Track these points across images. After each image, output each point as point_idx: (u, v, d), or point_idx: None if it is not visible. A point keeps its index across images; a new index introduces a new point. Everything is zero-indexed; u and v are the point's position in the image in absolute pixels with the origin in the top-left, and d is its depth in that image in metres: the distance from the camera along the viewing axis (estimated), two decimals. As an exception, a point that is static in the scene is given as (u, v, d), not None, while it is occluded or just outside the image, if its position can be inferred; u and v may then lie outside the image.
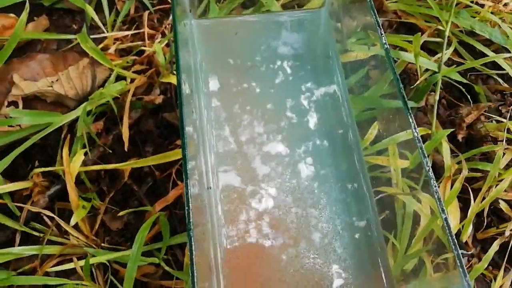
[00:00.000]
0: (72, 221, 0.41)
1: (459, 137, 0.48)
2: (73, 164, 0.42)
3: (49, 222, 0.45)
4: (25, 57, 0.50)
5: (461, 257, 0.24)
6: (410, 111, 0.33)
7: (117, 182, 0.47)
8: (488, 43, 0.53)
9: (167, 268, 0.42)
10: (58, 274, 0.41)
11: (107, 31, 0.54)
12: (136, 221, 0.46)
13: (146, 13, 0.55)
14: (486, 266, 0.39)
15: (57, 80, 0.48)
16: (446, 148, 0.44)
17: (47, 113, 0.45)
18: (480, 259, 0.41)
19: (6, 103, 0.47)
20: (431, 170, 0.30)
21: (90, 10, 0.52)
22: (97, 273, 0.43)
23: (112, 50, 0.54)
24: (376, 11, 0.36)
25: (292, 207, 0.37)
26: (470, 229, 0.42)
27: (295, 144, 0.40)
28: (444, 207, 0.28)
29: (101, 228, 0.45)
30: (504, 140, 0.44)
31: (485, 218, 0.44)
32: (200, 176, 0.35)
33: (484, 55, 0.52)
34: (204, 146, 0.38)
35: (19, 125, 0.46)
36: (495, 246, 0.40)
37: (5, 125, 0.44)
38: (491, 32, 0.47)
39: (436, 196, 0.26)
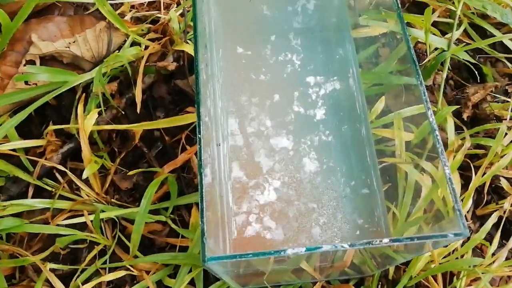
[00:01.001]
0: (84, 175, 0.42)
1: (465, 116, 0.48)
2: (87, 121, 0.44)
3: (61, 179, 0.47)
4: (43, 19, 0.51)
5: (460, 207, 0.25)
6: (423, 82, 0.33)
7: (128, 143, 0.49)
8: (499, 26, 0.54)
9: (173, 226, 0.44)
10: (69, 226, 0.43)
11: (124, -2, 0.55)
12: (145, 182, 0.47)
13: (162, -19, 0.56)
14: (483, 237, 0.40)
15: (74, 42, 0.49)
16: (450, 124, 0.45)
17: (64, 72, 0.46)
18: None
19: (23, 62, 0.48)
20: (440, 140, 0.31)
21: (108, -24, 0.53)
22: (106, 228, 0.44)
23: (128, 17, 0.55)
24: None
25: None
26: (470, 203, 0.43)
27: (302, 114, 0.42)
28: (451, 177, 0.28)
29: (111, 187, 0.47)
30: (508, 118, 0.45)
31: (485, 195, 0.45)
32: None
33: (494, 37, 0.52)
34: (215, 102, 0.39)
35: (35, 84, 0.48)
36: (493, 218, 0.41)
37: (22, 80, 0.45)
38: (502, 13, 0.47)
39: (444, 164, 0.27)
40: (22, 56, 0.49)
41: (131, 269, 0.41)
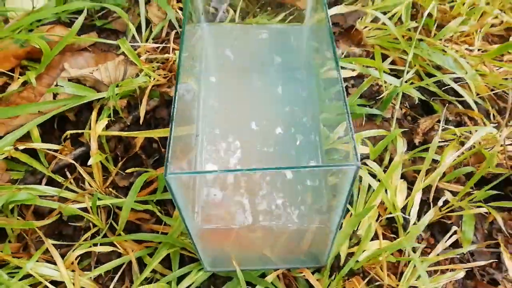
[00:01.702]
0: (89, 162, 0.51)
1: (416, 141, 0.57)
2: (98, 126, 0.54)
3: (69, 175, 0.56)
4: (75, 53, 0.64)
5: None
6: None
7: (130, 151, 0.58)
8: (448, 73, 0.64)
9: (158, 213, 0.51)
10: (71, 210, 0.51)
11: (141, 42, 0.68)
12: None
13: (173, 32, 0.70)
14: (421, 230, 0.46)
15: (97, 70, 0.61)
16: (399, 142, 0.53)
17: (85, 88, 0.57)
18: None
19: (55, 83, 0.60)
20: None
21: (131, 26, 0.67)
22: (101, 214, 0.52)
23: (143, 58, 0.68)
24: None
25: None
26: (415, 205, 0.49)
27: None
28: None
29: (111, 185, 0.55)
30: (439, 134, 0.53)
31: (431, 202, 0.51)
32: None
33: (444, 83, 0.62)
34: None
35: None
36: (431, 212, 0.47)
37: (52, 92, 0.57)
38: (444, 60, 0.58)
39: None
40: (55, 79, 0.61)
41: (118, 245, 0.48)
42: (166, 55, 0.68)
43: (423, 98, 0.61)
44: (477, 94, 0.62)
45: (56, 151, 0.57)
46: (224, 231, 0.42)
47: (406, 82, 0.59)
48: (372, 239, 0.47)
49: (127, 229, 0.51)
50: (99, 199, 0.51)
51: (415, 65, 0.64)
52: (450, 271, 0.47)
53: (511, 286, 0.48)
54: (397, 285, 0.46)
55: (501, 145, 0.52)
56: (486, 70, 0.65)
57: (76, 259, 0.48)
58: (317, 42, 0.52)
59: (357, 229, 0.49)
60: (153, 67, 0.67)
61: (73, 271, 0.47)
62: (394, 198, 0.49)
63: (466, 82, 0.61)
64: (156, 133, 0.56)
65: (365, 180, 0.50)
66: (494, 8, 0.71)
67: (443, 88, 0.63)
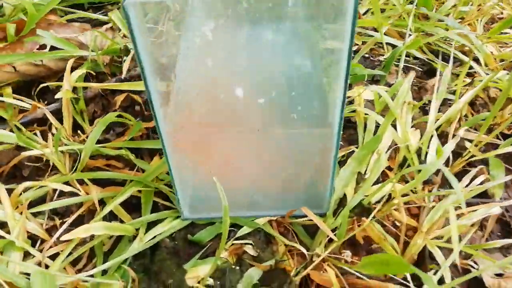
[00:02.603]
0: (58, 95, 0.46)
1: (425, 99, 0.51)
2: (74, 74, 0.49)
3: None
4: (63, 24, 0.62)
5: None
6: None
7: (108, 109, 0.52)
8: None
9: (131, 156, 0.44)
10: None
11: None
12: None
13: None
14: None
15: (82, 34, 0.58)
16: (406, 89, 0.48)
17: (68, 44, 0.54)
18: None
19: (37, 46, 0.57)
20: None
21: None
22: (65, 159, 0.45)
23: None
24: None
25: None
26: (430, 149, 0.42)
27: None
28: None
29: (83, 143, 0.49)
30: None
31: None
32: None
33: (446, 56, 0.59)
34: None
35: (41, 61, 0.55)
36: (451, 145, 0.40)
37: (32, 41, 0.53)
38: (447, 20, 0.55)
39: None
40: (36, 45, 0.58)
41: (76, 187, 0.40)
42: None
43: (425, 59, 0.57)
44: (486, 65, 0.58)
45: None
46: (204, 136, 0.34)
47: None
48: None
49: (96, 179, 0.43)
50: (65, 144, 0.45)
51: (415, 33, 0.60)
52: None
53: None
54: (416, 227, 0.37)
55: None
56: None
57: (26, 201, 0.40)
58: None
59: (364, 173, 0.42)
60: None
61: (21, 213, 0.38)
62: (406, 135, 0.42)
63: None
64: (134, 85, 0.51)
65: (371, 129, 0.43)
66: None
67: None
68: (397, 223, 0.37)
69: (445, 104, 0.51)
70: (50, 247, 0.37)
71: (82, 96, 0.51)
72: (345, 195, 0.39)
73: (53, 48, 0.56)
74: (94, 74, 0.53)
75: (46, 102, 0.53)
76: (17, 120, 0.48)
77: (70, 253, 0.36)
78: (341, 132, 0.33)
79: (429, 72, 0.58)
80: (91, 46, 0.56)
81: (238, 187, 0.38)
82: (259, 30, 0.41)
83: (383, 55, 0.57)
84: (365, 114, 0.45)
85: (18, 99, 0.52)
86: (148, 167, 0.43)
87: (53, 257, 0.37)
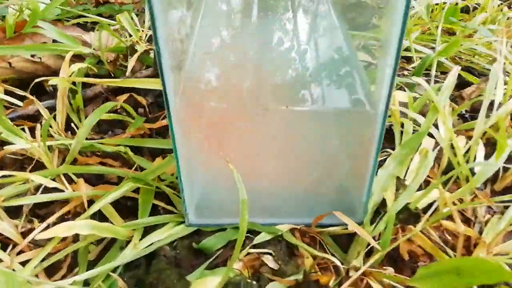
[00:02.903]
0: (51, 82, 0.40)
1: (461, 108, 0.46)
2: (72, 67, 0.44)
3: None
4: (69, 26, 0.58)
5: None
6: None
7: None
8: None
9: (130, 153, 0.38)
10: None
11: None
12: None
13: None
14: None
15: (88, 34, 0.54)
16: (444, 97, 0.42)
17: (68, 37, 0.49)
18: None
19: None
20: None
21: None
22: (53, 154, 0.38)
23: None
24: None
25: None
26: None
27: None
28: None
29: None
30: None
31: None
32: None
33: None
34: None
35: (40, 58, 0.51)
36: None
37: (31, 31, 0.49)
38: (480, 30, 0.51)
39: None
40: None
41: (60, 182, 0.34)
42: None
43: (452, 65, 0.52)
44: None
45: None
46: (219, 117, 0.28)
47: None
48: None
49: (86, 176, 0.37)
50: (56, 140, 0.39)
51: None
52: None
53: None
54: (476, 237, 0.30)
55: None
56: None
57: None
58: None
59: (404, 178, 0.35)
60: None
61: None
62: (451, 133, 0.36)
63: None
64: (140, 83, 0.46)
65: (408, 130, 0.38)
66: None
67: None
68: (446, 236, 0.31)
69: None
70: (22, 251, 0.30)
71: (80, 92, 0.46)
72: (383, 200, 0.32)
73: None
74: (96, 71, 0.48)
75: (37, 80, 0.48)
76: (4, 114, 0.43)
77: (45, 259, 0.29)
78: (387, 118, 0.27)
79: (459, 85, 0.53)
80: (95, 44, 0.52)
81: (255, 185, 0.32)
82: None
83: (406, 69, 0.53)
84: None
85: (9, 95, 0.47)
86: (149, 166, 0.37)
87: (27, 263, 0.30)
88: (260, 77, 0.30)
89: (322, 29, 0.37)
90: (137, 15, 0.69)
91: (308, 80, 0.29)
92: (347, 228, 0.31)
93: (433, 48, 0.54)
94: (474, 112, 0.46)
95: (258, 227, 0.31)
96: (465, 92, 0.47)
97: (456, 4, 0.62)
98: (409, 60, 0.55)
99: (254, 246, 0.30)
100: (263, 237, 0.30)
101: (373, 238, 0.30)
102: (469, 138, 0.40)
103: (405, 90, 0.51)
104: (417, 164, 0.35)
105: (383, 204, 0.33)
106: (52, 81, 0.40)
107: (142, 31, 0.62)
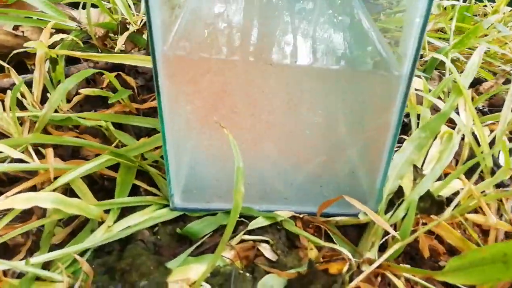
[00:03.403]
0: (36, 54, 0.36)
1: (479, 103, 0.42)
2: (53, 38, 0.40)
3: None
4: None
5: None
6: None
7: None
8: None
9: (110, 128, 0.33)
10: None
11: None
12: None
13: None
14: None
15: (77, 10, 0.50)
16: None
17: (59, 12, 0.46)
18: None
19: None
20: None
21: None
22: (24, 127, 0.34)
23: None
24: None
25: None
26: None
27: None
28: None
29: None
30: None
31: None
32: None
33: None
34: None
35: (22, 32, 0.47)
36: None
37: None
38: (496, 25, 0.48)
39: None
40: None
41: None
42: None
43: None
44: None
45: None
46: (212, 71, 0.24)
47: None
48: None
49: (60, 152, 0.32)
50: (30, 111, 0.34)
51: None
52: None
53: None
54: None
55: None
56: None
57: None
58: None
59: (421, 167, 0.31)
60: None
61: None
62: (474, 116, 0.32)
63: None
64: (129, 59, 0.41)
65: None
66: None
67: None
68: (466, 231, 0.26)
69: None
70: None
71: (62, 65, 0.41)
72: (398, 190, 0.28)
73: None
74: (82, 47, 0.44)
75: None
76: None
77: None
78: (410, 86, 0.23)
79: (473, 83, 0.50)
80: (85, 22, 0.48)
81: (252, 165, 0.27)
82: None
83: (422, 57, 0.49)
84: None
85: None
86: (133, 143, 0.32)
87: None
88: (263, 31, 0.26)
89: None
90: (134, 4, 0.65)
91: (321, 35, 0.25)
92: (357, 218, 0.27)
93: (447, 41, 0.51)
94: (492, 107, 0.42)
95: (254, 212, 0.26)
96: (483, 87, 0.43)
97: (469, 3, 0.60)
98: (420, 56, 0.52)
99: (249, 233, 0.25)
100: (259, 222, 0.26)
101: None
102: (491, 131, 0.36)
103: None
104: (435, 153, 0.30)
105: (397, 193, 0.28)
106: (29, 44, 0.36)
107: (137, 15, 0.59)
